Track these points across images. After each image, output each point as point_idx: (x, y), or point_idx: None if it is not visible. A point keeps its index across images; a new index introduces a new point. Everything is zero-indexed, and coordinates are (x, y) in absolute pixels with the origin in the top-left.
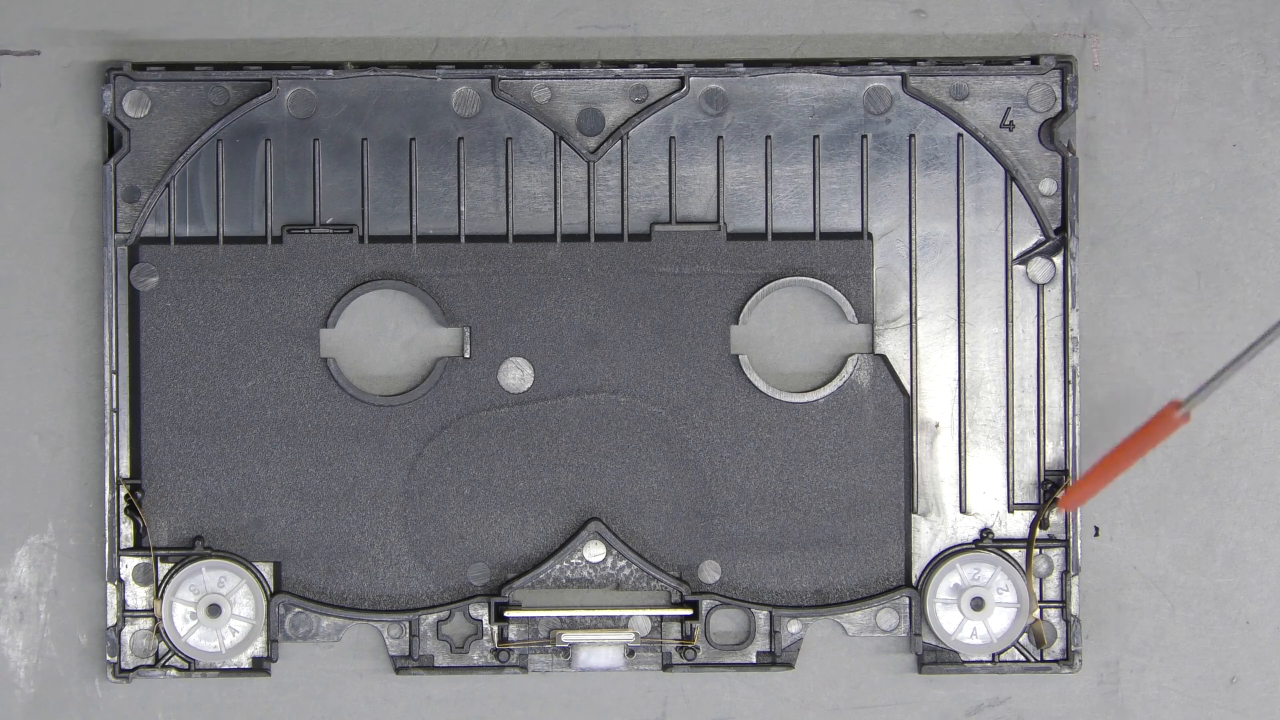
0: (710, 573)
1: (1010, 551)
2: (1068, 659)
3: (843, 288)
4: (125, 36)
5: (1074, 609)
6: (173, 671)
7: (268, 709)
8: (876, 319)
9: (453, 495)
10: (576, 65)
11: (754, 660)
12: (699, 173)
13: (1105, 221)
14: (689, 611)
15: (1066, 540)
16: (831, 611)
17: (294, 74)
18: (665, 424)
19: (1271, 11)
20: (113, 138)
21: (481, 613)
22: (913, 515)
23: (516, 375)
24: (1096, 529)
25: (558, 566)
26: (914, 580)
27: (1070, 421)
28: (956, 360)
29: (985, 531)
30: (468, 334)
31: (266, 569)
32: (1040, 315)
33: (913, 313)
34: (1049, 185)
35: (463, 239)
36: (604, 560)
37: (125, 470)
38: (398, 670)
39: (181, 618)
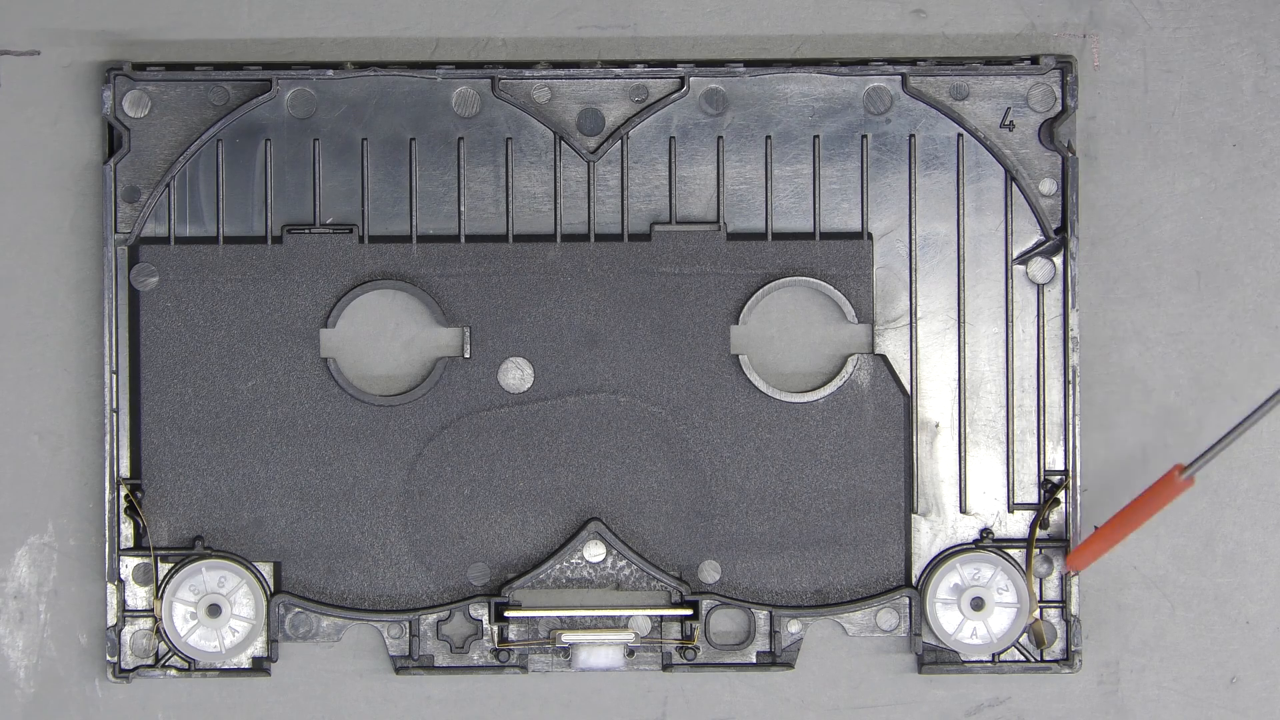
0: (710, 573)
1: (1010, 551)
2: (1068, 659)
3: (843, 288)
4: (125, 36)
5: (1074, 609)
6: (173, 671)
7: (268, 709)
8: (876, 319)
9: (453, 495)
10: (576, 65)
11: (754, 660)
12: (699, 173)
13: (1105, 221)
14: (689, 611)
15: (1066, 540)
16: (831, 611)
17: (294, 74)
18: (665, 424)
19: (1271, 11)
20: (113, 138)
21: (481, 613)
22: (913, 515)
23: (516, 375)
24: (1096, 529)
25: (558, 566)
26: (914, 580)
27: (1070, 421)
28: (956, 360)
29: (985, 531)
30: (468, 334)
31: (266, 569)
32: (1040, 315)
33: (913, 313)
34: (1049, 185)
35: (463, 239)
36: (604, 560)
37: (125, 470)
38: (398, 670)
39: (181, 618)
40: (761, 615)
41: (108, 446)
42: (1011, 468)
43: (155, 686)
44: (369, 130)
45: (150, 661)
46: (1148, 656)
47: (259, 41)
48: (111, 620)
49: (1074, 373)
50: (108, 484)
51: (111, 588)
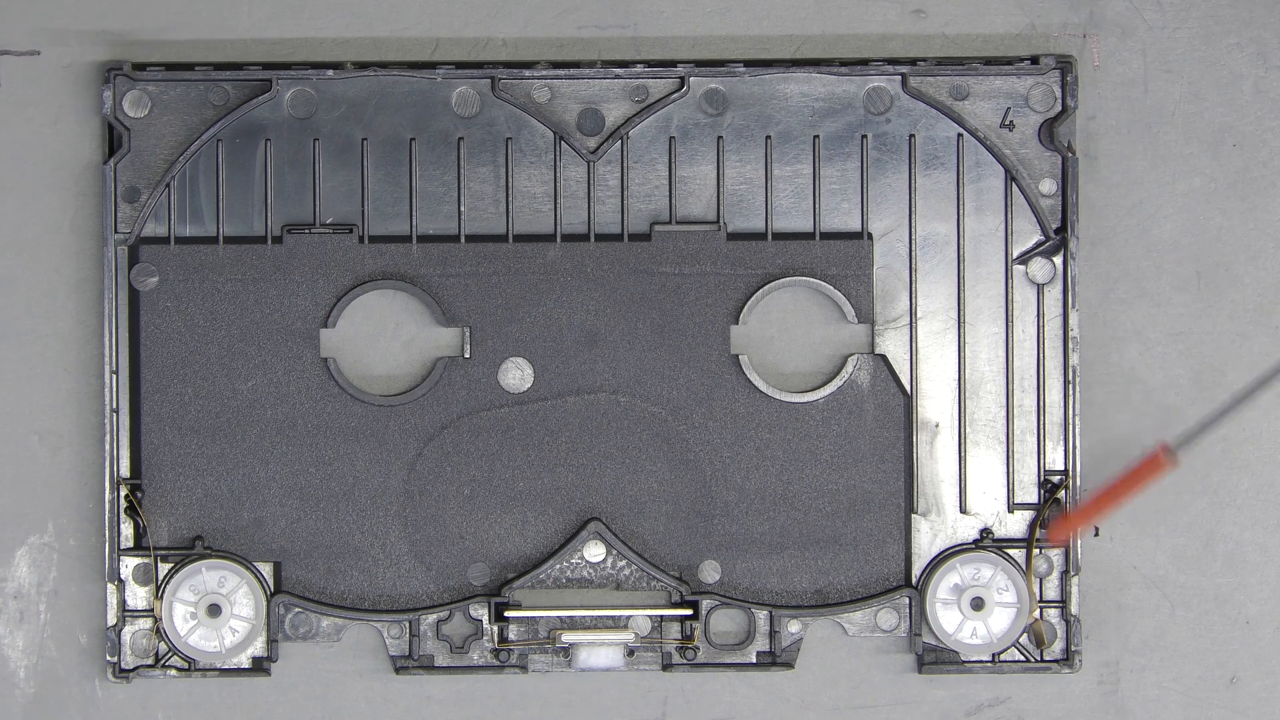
0: (710, 573)
1: (1010, 551)
2: (1068, 659)
3: (843, 288)
4: (125, 36)
5: (1074, 609)
6: (173, 671)
7: (268, 709)
8: (876, 319)
9: (453, 495)
10: (576, 65)
11: (754, 660)
12: (699, 173)
13: (1105, 221)
14: (689, 611)
15: (1066, 540)
16: (831, 611)
17: (294, 74)
18: (665, 424)
19: (1271, 11)
20: (113, 138)
21: (481, 613)
22: (913, 515)
23: (516, 375)
24: (1096, 529)
25: (558, 566)
26: (914, 580)
27: (1070, 421)
28: (956, 360)
29: (985, 531)
30: (468, 334)
31: (266, 569)
32: (1040, 315)
33: (913, 313)
34: (1049, 185)
35: (463, 239)
36: (604, 560)
37: (125, 470)
38: (398, 670)
39: (181, 618)
40: (761, 615)
41: (108, 446)
42: (1011, 468)
43: (155, 686)
44: (369, 130)
45: (150, 661)
46: (1148, 656)
47: (259, 41)
48: (111, 620)
49: (1074, 373)
50: (108, 484)
51: (111, 588)
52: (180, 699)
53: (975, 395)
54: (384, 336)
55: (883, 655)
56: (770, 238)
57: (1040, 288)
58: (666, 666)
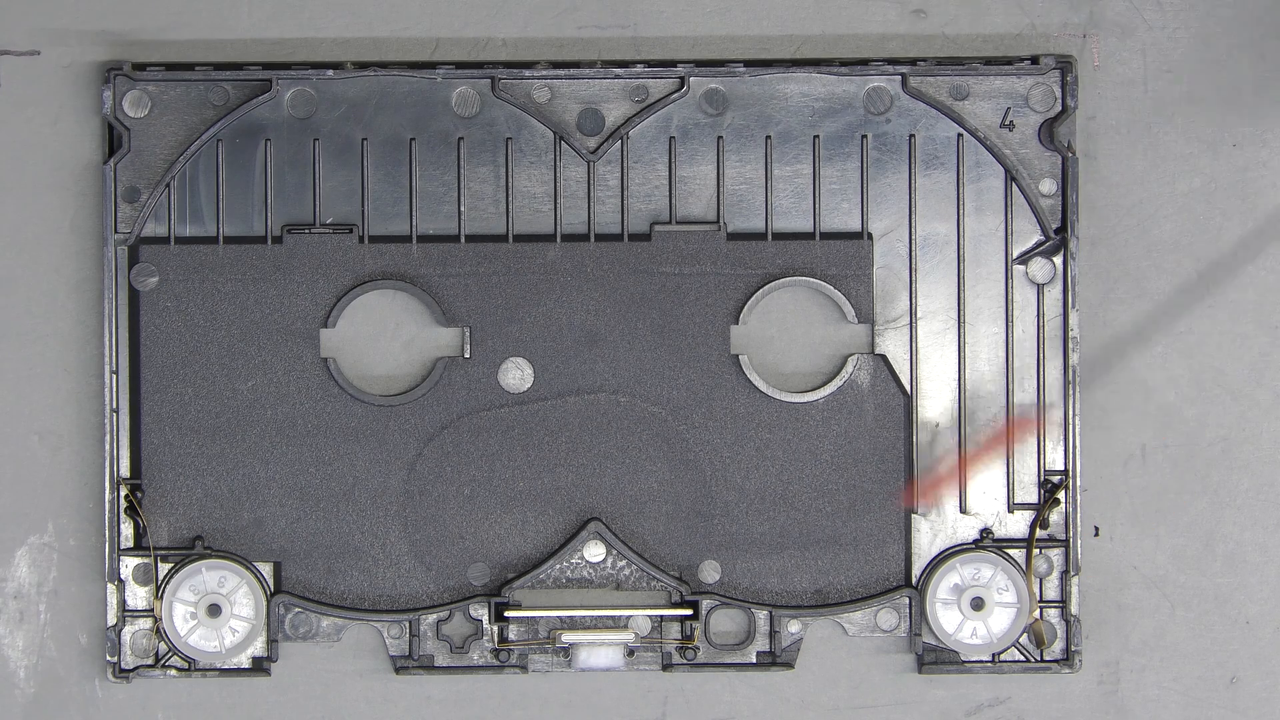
0: (710, 573)
1: (1010, 551)
2: (1068, 659)
3: (843, 288)
4: (125, 36)
5: (1074, 609)
6: (173, 671)
7: (268, 709)
8: (876, 319)
9: (453, 495)
10: (576, 65)
11: (754, 660)
12: (699, 173)
13: (1105, 221)
14: (689, 611)
15: (1066, 540)
16: (831, 611)
17: (294, 74)
18: (665, 424)
19: (1271, 12)
20: (113, 138)
21: (481, 613)
22: (913, 515)
23: (516, 375)
24: (1096, 529)
25: (558, 566)
26: (914, 580)
27: (1070, 421)
28: (956, 360)
29: (985, 531)
30: (468, 334)
31: (266, 569)
32: (1040, 315)
33: (913, 313)
34: (1049, 185)
35: (463, 239)
36: (604, 560)
37: (125, 470)
38: (398, 670)
39: (181, 618)
40: (761, 615)
41: (108, 446)
42: (1011, 468)
43: (155, 686)
44: (369, 130)
45: (150, 661)
46: (1148, 656)
47: (259, 41)
48: (111, 620)
49: (1074, 373)
50: (108, 484)
51: (111, 588)
52: (180, 699)
53: (975, 395)
54: (384, 336)
55: (883, 655)
56: (770, 238)
57: (1040, 288)
58: (666, 666)
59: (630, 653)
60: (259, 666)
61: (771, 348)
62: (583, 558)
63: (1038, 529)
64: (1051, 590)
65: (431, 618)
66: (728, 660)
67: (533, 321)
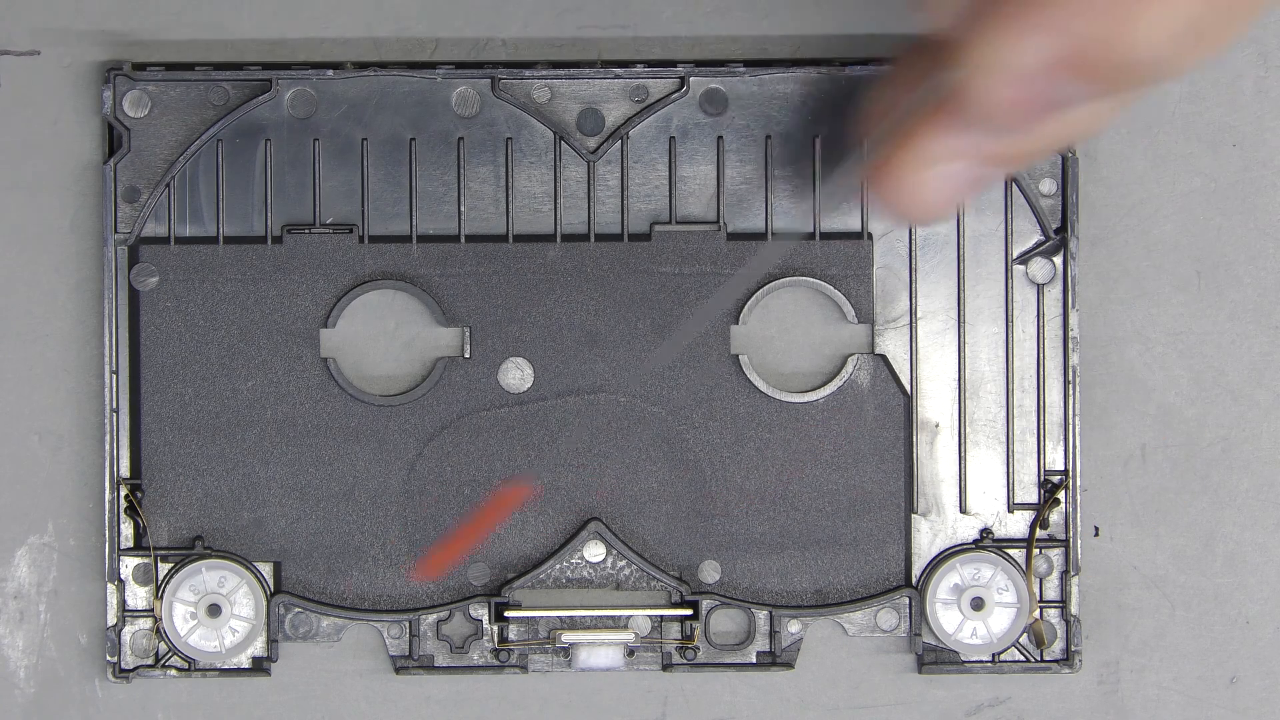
0: (710, 573)
1: (1010, 551)
2: (1068, 659)
3: (843, 288)
4: (125, 36)
5: (1074, 609)
6: (173, 671)
7: (268, 709)
8: (876, 319)
9: (453, 495)
10: (576, 65)
11: (754, 660)
12: (699, 173)
13: (1105, 221)
14: (689, 611)
15: (1066, 540)
16: (831, 611)
17: (294, 74)
18: (665, 424)
19: (1272, 12)
20: (113, 138)
21: (481, 613)
22: (913, 515)
23: (516, 375)
24: (1096, 529)
25: (558, 566)
26: (914, 580)
27: (1070, 421)
28: (956, 360)
29: (985, 531)
30: (468, 334)
31: (266, 569)
32: (1040, 315)
33: (913, 313)
34: (1049, 185)
35: (463, 239)
36: (604, 560)
37: (125, 470)
38: (398, 670)
39: (181, 618)
40: (761, 615)
41: (108, 446)
42: (1011, 468)
43: (155, 686)
44: (369, 130)
45: (150, 661)
46: (1148, 656)
47: (259, 41)
48: (111, 620)
49: (1074, 373)
50: (108, 484)
51: (111, 588)
52: (180, 699)
53: (975, 395)
54: (384, 336)
55: (883, 655)
56: (770, 238)
57: (1040, 288)
58: (666, 666)
59: (630, 653)
60: (259, 666)
61: (771, 348)
62: (583, 558)
63: (1038, 529)
64: (1051, 590)
65: (431, 618)
66: (728, 660)
67: (533, 321)
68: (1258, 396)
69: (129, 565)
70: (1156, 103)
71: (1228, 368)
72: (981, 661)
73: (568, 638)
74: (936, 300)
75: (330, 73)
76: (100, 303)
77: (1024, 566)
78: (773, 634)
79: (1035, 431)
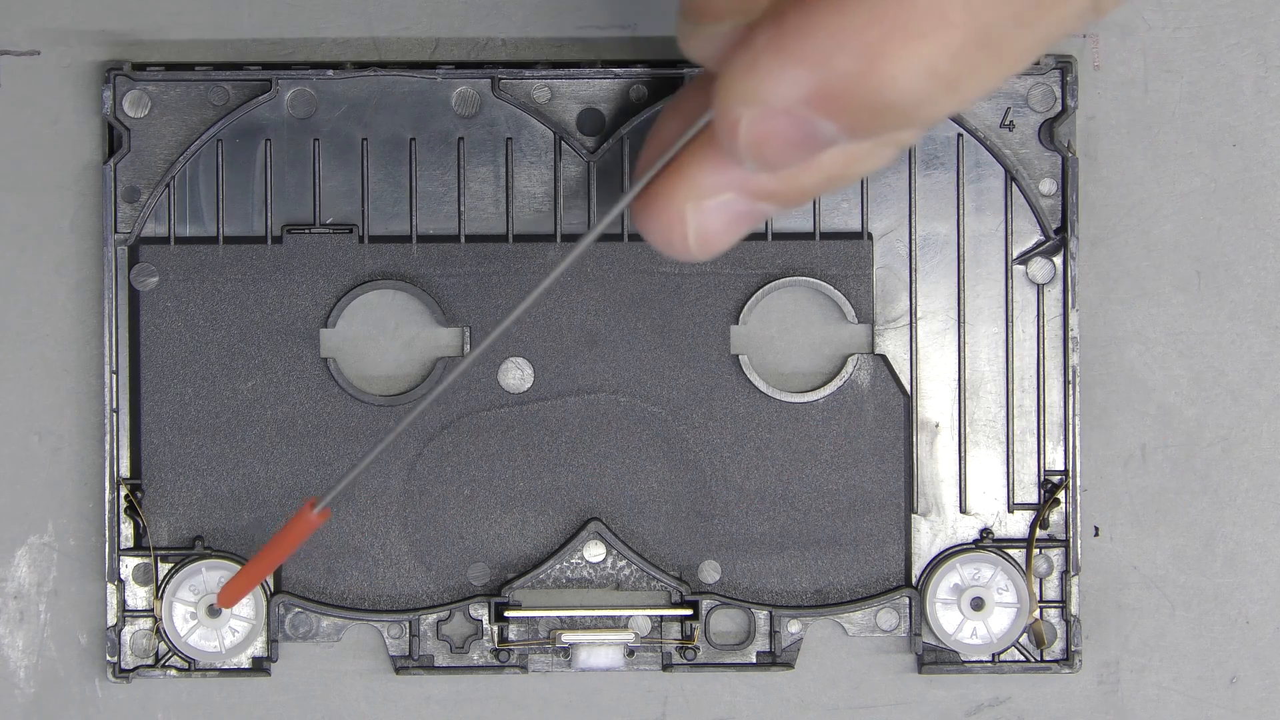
0: (710, 573)
1: (1010, 551)
2: (1068, 659)
3: (843, 288)
4: (125, 36)
5: (1074, 609)
6: (173, 671)
7: (268, 709)
8: (876, 319)
9: (453, 495)
10: (576, 65)
11: (754, 660)
12: None
13: (1105, 221)
14: (689, 611)
15: (1066, 540)
16: (831, 611)
17: (294, 74)
18: (665, 424)
19: (1271, 11)
20: (113, 138)
21: (481, 613)
22: (913, 515)
23: (516, 375)
24: (1096, 529)
25: (558, 566)
26: (914, 580)
27: (1070, 421)
28: (956, 360)
29: (985, 531)
30: (468, 334)
31: None
32: (1040, 315)
33: (913, 313)
34: (1049, 185)
35: (463, 239)
36: (604, 560)
37: (125, 470)
38: (398, 670)
39: (181, 618)
40: (761, 615)
41: (108, 446)
42: (1011, 468)
43: (155, 686)
44: (369, 130)
45: (150, 661)
46: (1148, 656)
47: (259, 41)
48: (111, 620)
49: (1074, 373)
50: (108, 484)
51: (111, 588)
52: (180, 699)
53: (975, 395)
54: (384, 336)
55: (883, 655)
56: (770, 238)
57: (1040, 288)
58: (666, 666)
59: (630, 653)
60: (259, 666)
61: (771, 348)
62: (583, 558)
63: (1038, 529)
64: (1051, 590)
65: (431, 618)
66: (728, 660)
67: (533, 321)
68: (1258, 396)
69: (129, 565)
70: (1157, 103)
71: (1228, 368)
72: (981, 661)
73: (568, 638)
74: (936, 300)
75: (330, 73)
76: (100, 303)
77: (1024, 566)
78: (773, 634)
79: (1035, 431)
